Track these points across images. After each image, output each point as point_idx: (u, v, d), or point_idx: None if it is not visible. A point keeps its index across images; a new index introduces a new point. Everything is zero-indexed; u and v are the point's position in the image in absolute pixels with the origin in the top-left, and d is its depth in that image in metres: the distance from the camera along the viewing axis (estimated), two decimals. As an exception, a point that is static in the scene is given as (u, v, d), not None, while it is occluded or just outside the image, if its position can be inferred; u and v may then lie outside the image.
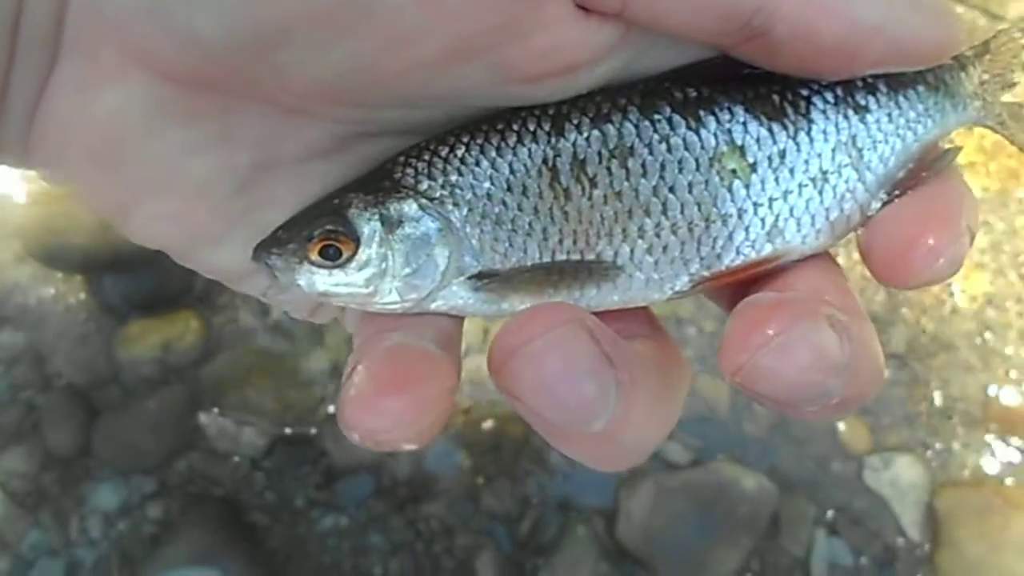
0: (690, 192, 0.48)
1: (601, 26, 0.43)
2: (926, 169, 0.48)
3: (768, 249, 0.48)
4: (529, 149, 0.48)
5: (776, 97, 0.48)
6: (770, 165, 0.48)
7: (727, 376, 0.39)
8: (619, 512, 1.67)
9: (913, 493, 1.65)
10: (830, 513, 1.65)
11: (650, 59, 0.47)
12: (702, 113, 0.48)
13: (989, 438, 1.66)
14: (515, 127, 0.48)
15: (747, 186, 0.48)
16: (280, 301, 0.53)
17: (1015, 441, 1.65)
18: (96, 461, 1.75)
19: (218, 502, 1.73)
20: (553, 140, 0.48)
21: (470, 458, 1.68)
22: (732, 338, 0.39)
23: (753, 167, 0.48)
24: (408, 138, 0.49)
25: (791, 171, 0.48)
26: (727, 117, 0.48)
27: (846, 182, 0.48)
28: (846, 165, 0.48)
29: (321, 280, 0.48)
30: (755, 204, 0.48)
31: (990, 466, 1.65)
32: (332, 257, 0.47)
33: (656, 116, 0.48)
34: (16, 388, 1.76)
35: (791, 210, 0.48)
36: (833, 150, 0.48)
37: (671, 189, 0.48)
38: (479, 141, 0.48)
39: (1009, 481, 1.64)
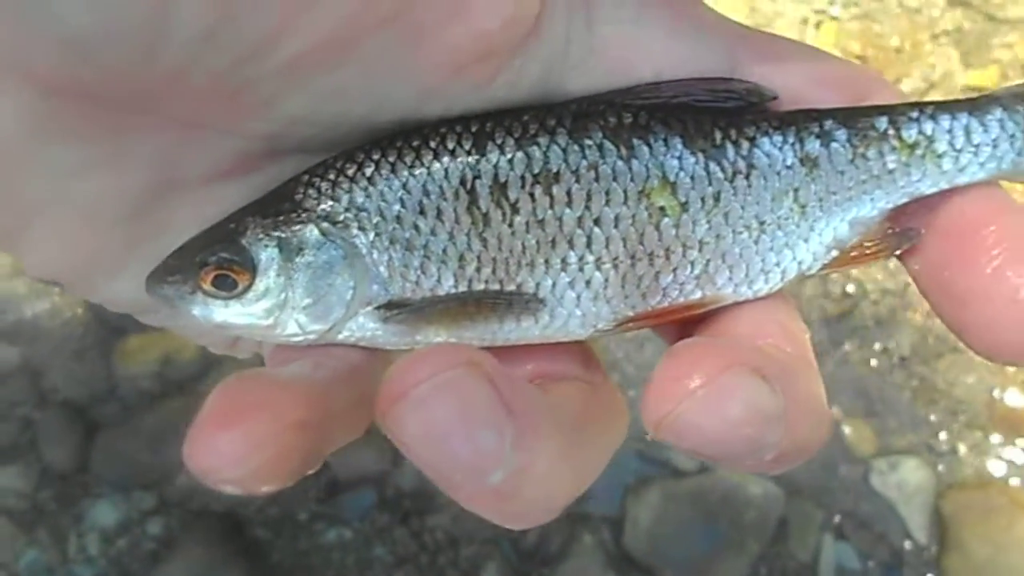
0: (616, 226, 0.44)
1: None
2: (887, 246, 0.44)
3: (697, 294, 0.45)
4: (446, 168, 0.44)
5: (718, 133, 0.45)
6: (703, 206, 0.44)
7: (650, 429, 0.36)
8: (626, 520, 1.66)
9: (919, 496, 1.65)
10: (837, 517, 1.64)
11: (582, 74, 0.44)
12: (635, 142, 0.44)
13: (994, 440, 1.67)
14: (432, 144, 0.44)
15: (677, 226, 0.44)
16: (191, 336, 0.50)
17: (1020, 442, 1.67)
18: (94, 477, 1.73)
19: (219, 517, 1.72)
20: (473, 160, 0.44)
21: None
22: (655, 388, 0.36)
23: (684, 206, 0.44)
24: (322, 157, 0.46)
25: (725, 215, 0.45)
26: (662, 149, 0.44)
27: (786, 235, 0.45)
28: (787, 218, 0.45)
29: (217, 311, 0.44)
30: (684, 246, 0.44)
31: (995, 468, 1.65)
32: (227, 287, 0.44)
33: (587, 141, 0.44)
34: (12, 404, 1.74)
35: (723, 256, 0.45)
36: (773, 200, 0.45)
37: (596, 221, 0.44)
38: (391, 158, 0.44)
39: (1014, 482, 1.64)
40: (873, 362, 1.72)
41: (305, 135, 0.43)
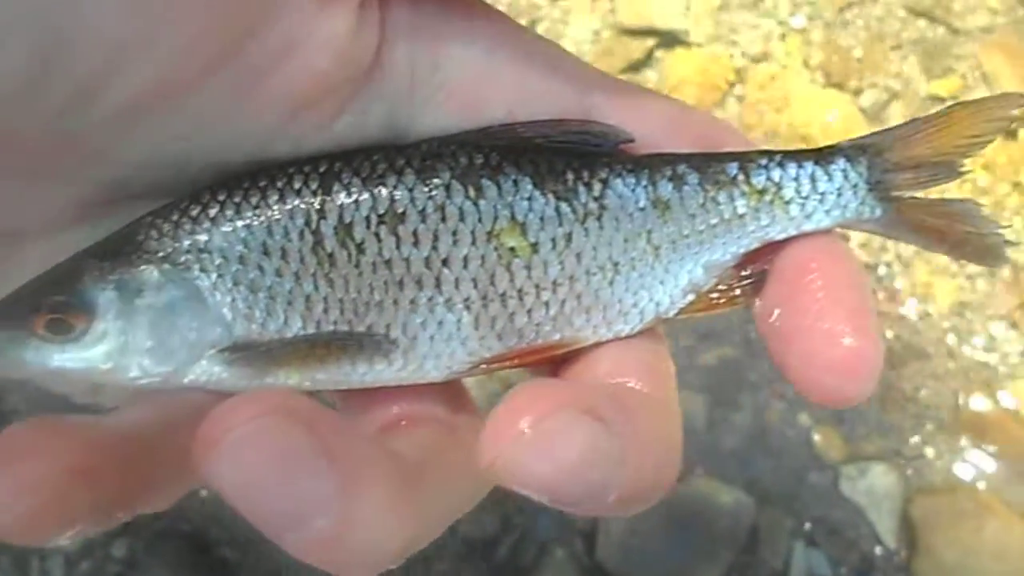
0: (465, 267, 0.44)
1: (344, 22, 0.39)
2: (742, 290, 0.45)
3: (556, 336, 0.45)
4: (291, 209, 0.44)
5: (571, 175, 0.45)
6: (554, 247, 0.44)
7: (483, 470, 0.36)
8: (598, 532, 1.65)
9: (889, 501, 1.66)
10: (807, 524, 1.65)
11: (431, 113, 0.44)
12: (484, 183, 0.44)
13: (962, 445, 1.69)
14: (278, 184, 0.44)
15: (528, 267, 0.44)
16: (48, 384, 0.48)
17: (987, 447, 1.68)
18: None
19: (185, 539, 1.69)
20: (318, 201, 0.44)
21: (445, 483, 1.66)
22: (487, 430, 0.36)
23: (535, 247, 0.44)
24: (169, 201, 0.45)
25: (577, 256, 0.45)
26: (511, 190, 0.44)
27: (640, 277, 0.45)
28: (640, 260, 0.45)
29: (53, 356, 0.43)
30: (537, 287, 0.44)
31: (963, 472, 1.67)
32: (62, 331, 0.43)
33: (434, 181, 0.44)
34: (-29, 426, 1.70)
35: (578, 298, 0.45)
36: (626, 241, 0.45)
37: (445, 262, 0.44)
38: (236, 199, 0.44)
39: (982, 486, 1.66)
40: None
41: (152, 179, 0.43)
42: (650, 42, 1.84)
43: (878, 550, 1.64)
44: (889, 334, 1.75)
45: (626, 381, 0.43)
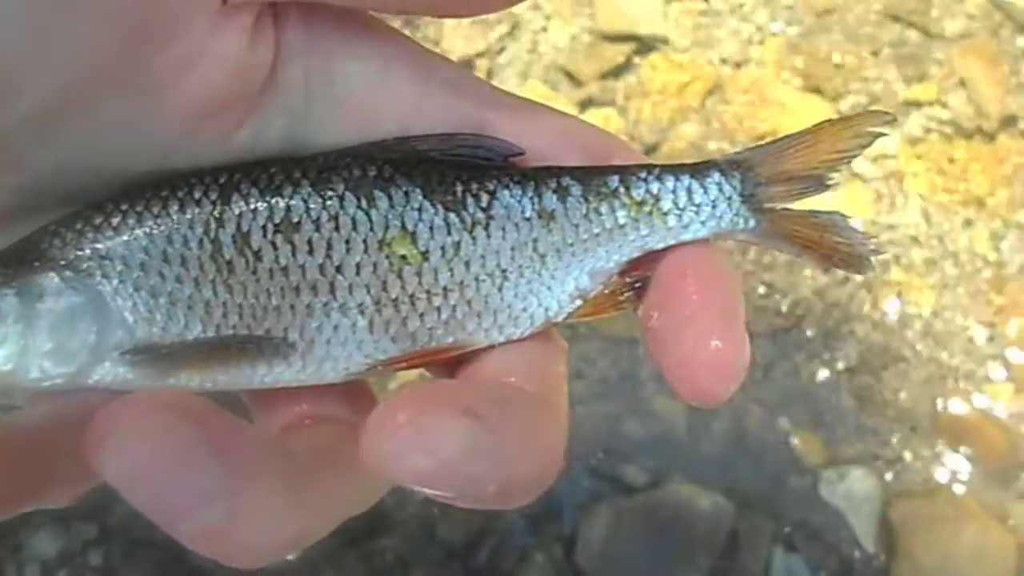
0: (358, 274, 0.46)
1: (239, 39, 0.41)
2: (627, 296, 0.47)
3: (449, 339, 0.47)
4: (191, 218, 0.46)
5: (460, 186, 0.47)
6: (443, 255, 0.47)
7: (365, 464, 0.37)
8: (577, 537, 1.66)
9: (868, 505, 1.67)
10: (787, 528, 1.66)
11: (328, 126, 0.46)
12: (377, 193, 0.46)
13: (940, 448, 1.70)
14: (179, 194, 0.46)
15: (419, 274, 0.46)
16: None
17: (965, 451, 1.69)
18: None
19: (161, 546, 1.69)
20: (217, 210, 0.46)
21: (424, 489, 1.66)
22: (367, 426, 0.38)
23: (425, 255, 0.46)
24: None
25: (466, 264, 0.47)
26: (402, 200, 0.47)
27: (528, 283, 0.47)
28: (527, 267, 0.47)
29: None
30: (428, 293, 0.47)
31: (941, 476, 1.68)
32: None
33: (328, 192, 0.46)
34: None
35: (469, 303, 0.47)
36: (513, 249, 0.47)
37: (339, 268, 0.46)
38: (138, 208, 0.45)
39: (960, 490, 1.67)
40: (820, 374, 1.74)
41: (60, 188, 0.44)
42: (630, 48, 1.84)
43: (857, 554, 1.64)
44: (869, 338, 1.76)
45: (512, 381, 0.44)
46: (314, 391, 0.47)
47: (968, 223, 1.81)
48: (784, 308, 1.76)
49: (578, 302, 0.48)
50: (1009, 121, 1.80)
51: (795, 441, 1.71)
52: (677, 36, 1.86)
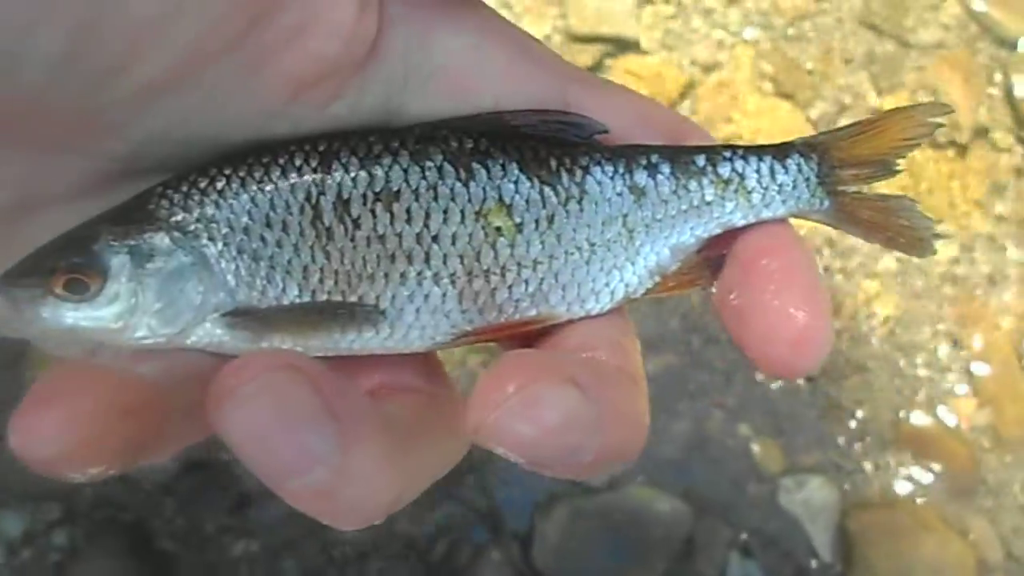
0: (454, 244, 0.47)
1: (350, 7, 0.42)
2: (701, 273, 0.48)
3: (532, 311, 0.48)
4: (292, 184, 0.47)
5: (554, 161, 0.48)
6: (537, 228, 0.48)
7: (470, 433, 0.39)
8: (534, 536, 1.66)
9: (826, 514, 1.67)
10: (744, 535, 1.66)
11: (423, 97, 0.47)
12: (474, 165, 0.47)
13: (900, 459, 1.70)
14: (280, 161, 0.47)
15: (512, 245, 0.47)
16: (49, 348, 0.50)
17: (926, 462, 1.68)
18: None
19: (126, 528, 1.70)
20: (318, 177, 0.47)
21: (384, 482, 1.66)
22: (475, 395, 0.39)
23: (519, 227, 0.47)
24: None
25: (558, 237, 0.48)
26: (499, 173, 0.48)
27: (615, 258, 0.48)
28: (615, 242, 0.48)
29: (67, 315, 0.45)
30: (519, 264, 0.47)
31: (901, 487, 1.68)
32: (78, 291, 0.45)
33: (427, 163, 0.47)
34: (-84, 412, 1.71)
35: (556, 276, 0.48)
36: (603, 224, 0.48)
37: (435, 238, 0.47)
38: (240, 173, 0.47)
39: (920, 502, 1.67)
40: (782, 381, 1.72)
41: (160, 155, 0.45)
42: (600, 49, 1.83)
43: (814, 563, 1.64)
44: (832, 347, 1.74)
45: (597, 355, 0.45)
46: (390, 361, 0.48)
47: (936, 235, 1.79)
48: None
49: (656, 278, 0.49)
50: (980, 133, 1.78)
51: (755, 448, 1.71)
52: (648, 39, 1.85)
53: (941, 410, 1.70)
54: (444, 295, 0.47)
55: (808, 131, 1.77)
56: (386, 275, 0.46)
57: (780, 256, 0.46)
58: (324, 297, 0.46)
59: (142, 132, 0.43)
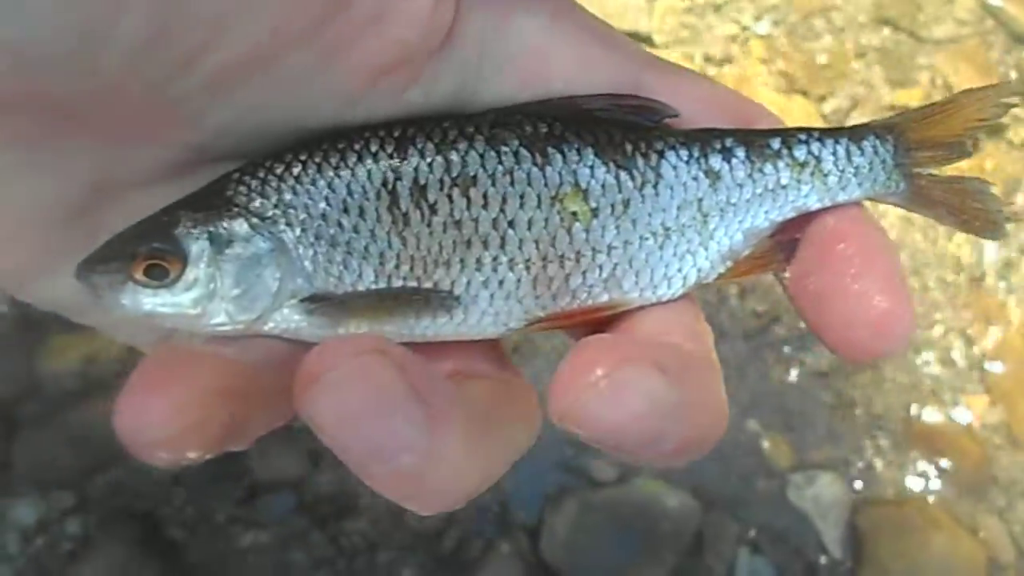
0: (529, 229, 0.47)
1: None
2: (774, 257, 0.48)
3: (604, 297, 0.47)
4: (369, 170, 0.46)
5: (629, 146, 0.48)
6: (612, 212, 0.47)
7: (555, 419, 0.39)
8: (543, 529, 1.66)
9: (835, 511, 1.66)
10: (753, 531, 1.65)
11: (496, 82, 0.46)
12: (550, 150, 0.47)
13: (911, 456, 1.69)
14: (356, 147, 0.46)
15: (587, 230, 0.47)
16: (121, 335, 0.51)
17: (937, 460, 1.68)
18: (14, 476, 1.71)
19: (138, 517, 1.73)
20: (395, 163, 0.46)
21: (393, 474, 1.66)
22: (559, 380, 0.39)
23: (595, 212, 0.47)
24: None
25: (633, 222, 0.47)
26: (575, 158, 0.47)
27: (688, 243, 0.48)
28: (689, 226, 0.48)
29: (146, 300, 0.45)
30: (594, 250, 0.47)
31: (912, 484, 1.67)
32: (158, 277, 0.45)
33: (503, 148, 0.47)
34: (-68, 401, 1.74)
35: (630, 261, 0.47)
36: (678, 208, 0.48)
37: (511, 223, 0.47)
38: (316, 159, 0.46)
39: (930, 499, 1.66)
40: (792, 377, 1.72)
41: (234, 143, 0.45)
42: (614, 43, 1.82)
43: (823, 559, 1.63)
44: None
45: (674, 341, 0.44)
46: (460, 348, 0.48)
47: (950, 231, 1.77)
48: (759, 309, 1.74)
49: (728, 263, 0.49)
50: (996, 129, 1.76)
51: (765, 443, 1.70)
52: (661, 33, 1.84)
53: (953, 407, 1.68)
54: (519, 280, 0.46)
55: (821, 126, 1.75)
56: (462, 261, 0.46)
57: (858, 239, 0.46)
58: (399, 283, 0.46)
59: (218, 119, 0.42)
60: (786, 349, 1.73)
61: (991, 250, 1.75)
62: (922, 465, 1.67)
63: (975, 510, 1.64)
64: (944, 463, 1.67)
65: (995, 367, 1.71)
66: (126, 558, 1.68)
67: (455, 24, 0.43)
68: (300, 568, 1.65)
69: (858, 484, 1.66)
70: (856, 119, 1.78)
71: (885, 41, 1.85)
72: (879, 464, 1.67)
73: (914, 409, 1.70)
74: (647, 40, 1.82)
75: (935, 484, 1.65)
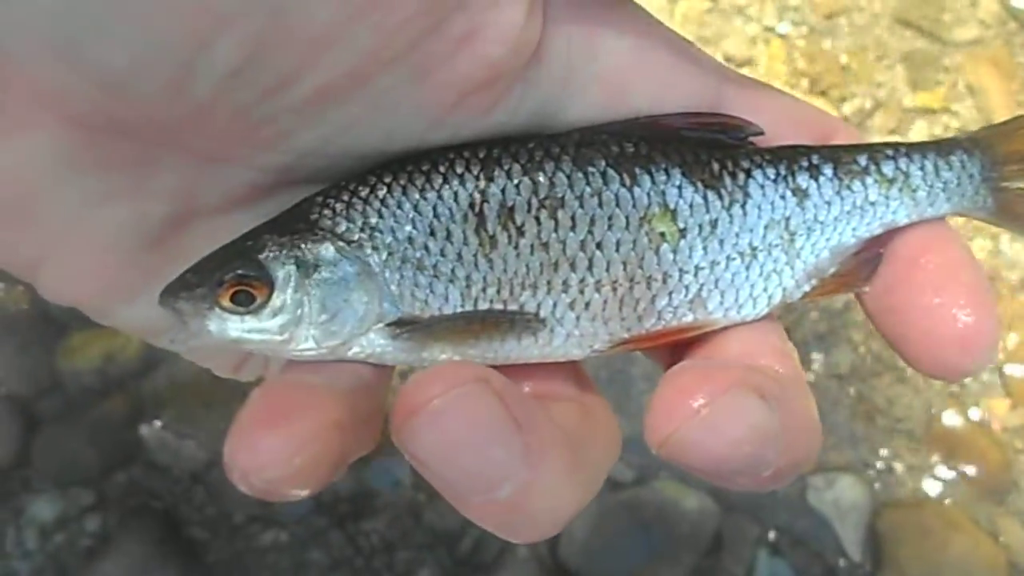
0: (617, 250, 0.46)
1: (518, 12, 0.40)
2: (858, 274, 0.47)
3: (689, 318, 0.47)
4: (455, 192, 0.46)
5: (716, 165, 0.47)
6: (700, 233, 0.47)
7: (654, 448, 0.38)
8: (561, 532, 1.64)
9: (855, 513, 1.65)
10: (772, 533, 1.65)
11: (581, 101, 0.45)
12: (637, 171, 0.46)
13: (931, 459, 1.69)
14: (441, 168, 0.46)
15: (675, 251, 0.46)
16: (198, 357, 0.50)
17: (957, 463, 1.67)
18: (34, 472, 1.72)
19: (157, 515, 1.74)
20: (481, 184, 0.46)
21: (412, 474, 1.67)
22: (658, 408, 0.38)
23: (683, 232, 0.46)
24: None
25: (720, 242, 0.47)
26: (663, 178, 0.46)
27: (774, 262, 0.47)
28: (776, 245, 0.47)
29: (233, 327, 0.45)
30: (681, 270, 0.46)
31: (931, 487, 1.66)
32: (244, 303, 0.45)
33: (590, 168, 0.46)
34: (-47, 398, 1.76)
35: (716, 281, 0.47)
36: (766, 227, 0.47)
37: (599, 245, 0.46)
38: (402, 182, 0.46)
39: (950, 502, 1.65)
40: (812, 379, 1.71)
41: (315, 167, 0.44)
42: (635, 44, 1.82)
43: (842, 562, 1.63)
44: (863, 345, 1.72)
45: (764, 363, 0.44)
46: (542, 369, 0.47)
47: (970, 233, 1.76)
48: (777, 313, 1.73)
49: (814, 281, 0.48)
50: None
51: (784, 445, 1.69)
52: (683, 33, 1.82)
53: (973, 410, 1.67)
54: (605, 302, 0.46)
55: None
56: (548, 283, 0.45)
57: (942, 254, 0.45)
58: (485, 306, 0.45)
59: (305, 141, 0.42)
60: (806, 352, 1.72)
61: (1014, 252, 1.74)
62: (942, 468, 1.66)
63: (995, 513, 1.63)
64: (964, 466, 1.66)
65: (1016, 370, 1.70)
66: (145, 556, 1.68)
67: (542, 42, 0.43)
68: (318, 567, 1.66)
69: (878, 487, 1.66)
70: (878, 121, 1.77)
71: (907, 43, 1.85)
72: (899, 467, 1.66)
73: (934, 412, 1.69)
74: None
75: (955, 487, 1.65)
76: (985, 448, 1.67)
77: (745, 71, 1.85)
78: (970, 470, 1.65)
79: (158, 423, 1.72)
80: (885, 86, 1.81)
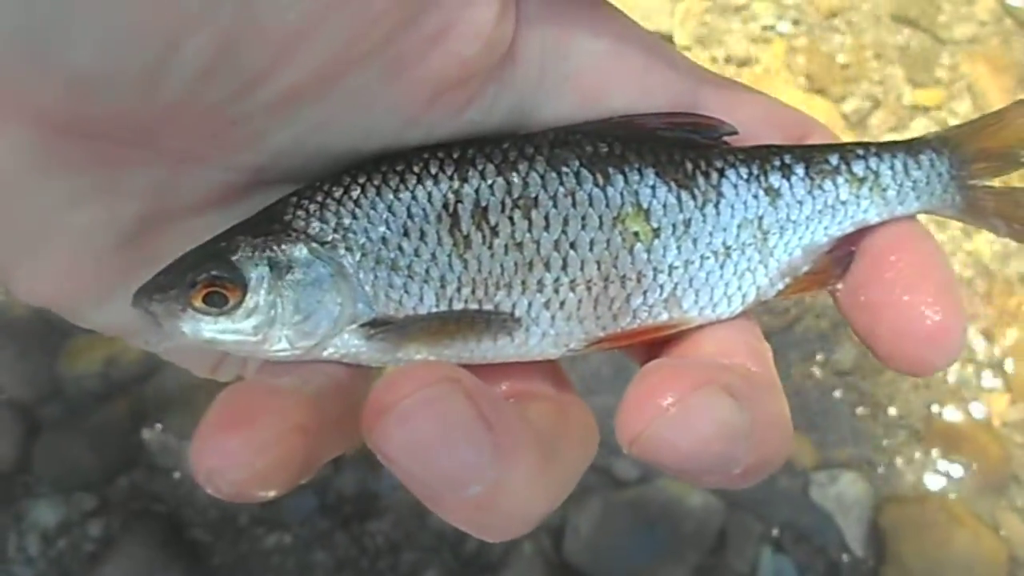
0: (591, 250, 0.46)
1: (490, 10, 0.41)
2: (830, 272, 0.48)
3: (664, 316, 0.47)
4: (429, 192, 0.46)
5: (689, 165, 0.48)
6: (674, 232, 0.47)
7: (624, 446, 0.38)
8: (566, 529, 1.66)
9: (858, 509, 1.66)
10: (776, 529, 1.65)
11: (555, 101, 0.45)
12: (611, 170, 0.47)
13: (933, 454, 1.70)
14: (415, 169, 0.46)
15: (649, 250, 0.47)
16: (175, 358, 0.51)
17: (957, 457, 1.69)
18: (36, 477, 1.71)
19: (160, 519, 1.73)
20: (455, 184, 0.46)
21: (416, 475, 1.65)
22: (628, 407, 0.38)
23: (656, 232, 0.47)
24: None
25: (694, 241, 0.47)
26: (636, 178, 0.47)
27: (748, 261, 0.48)
28: (749, 244, 0.48)
29: (206, 328, 0.45)
30: (655, 270, 0.47)
31: (933, 482, 1.67)
32: (217, 304, 0.45)
33: (564, 168, 0.46)
34: (-46, 403, 1.76)
35: (690, 280, 0.47)
36: (739, 227, 0.48)
37: (572, 245, 0.46)
38: (376, 182, 0.46)
39: (952, 497, 1.66)
40: (814, 376, 1.72)
41: (291, 166, 0.44)
42: (635, 44, 1.82)
43: (845, 558, 1.64)
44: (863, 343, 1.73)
45: (737, 361, 0.44)
46: (518, 369, 0.47)
47: (968, 230, 1.77)
48: (779, 308, 1.73)
49: (787, 280, 0.48)
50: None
51: (787, 442, 1.69)
52: (682, 33, 1.85)
53: (973, 406, 1.69)
54: (580, 302, 0.46)
55: (841, 126, 1.75)
56: (523, 283, 0.46)
57: (912, 252, 0.46)
58: (460, 306, 0.46)
59: (277, 143, 0.42)
60: (808, 348, 1.72)
61: (1013, 248, 1.74)
62: (943, 463, 1.67)
63: (996, 507, 1.64)
64: (965, 461, 1.67)
65: (1016, 365, 1.70)
66: (148, 560, 1.67)
67: (515, 41, 0.43)
68: (323, 569, 1.66)
69: (880, 482, 1.67)
70: (877, 119, 1.77)
71: (905, 41, 1.86)
72: (901, 463, 1.67)
73: (935, 408, 1.70)
74: (668, 40, 1.83)
75: (956, 482, 1.66)
76: (985, 443, 1.68)
77: (745, 70, 1.85)
78: (971, 465, 1.66)
79: (160, 427, 1.71)
80: (884, 84, 1.83)
